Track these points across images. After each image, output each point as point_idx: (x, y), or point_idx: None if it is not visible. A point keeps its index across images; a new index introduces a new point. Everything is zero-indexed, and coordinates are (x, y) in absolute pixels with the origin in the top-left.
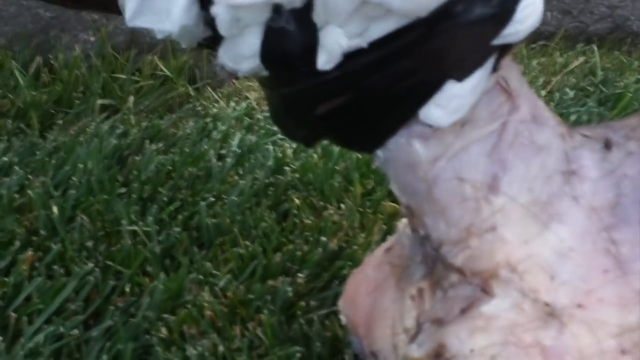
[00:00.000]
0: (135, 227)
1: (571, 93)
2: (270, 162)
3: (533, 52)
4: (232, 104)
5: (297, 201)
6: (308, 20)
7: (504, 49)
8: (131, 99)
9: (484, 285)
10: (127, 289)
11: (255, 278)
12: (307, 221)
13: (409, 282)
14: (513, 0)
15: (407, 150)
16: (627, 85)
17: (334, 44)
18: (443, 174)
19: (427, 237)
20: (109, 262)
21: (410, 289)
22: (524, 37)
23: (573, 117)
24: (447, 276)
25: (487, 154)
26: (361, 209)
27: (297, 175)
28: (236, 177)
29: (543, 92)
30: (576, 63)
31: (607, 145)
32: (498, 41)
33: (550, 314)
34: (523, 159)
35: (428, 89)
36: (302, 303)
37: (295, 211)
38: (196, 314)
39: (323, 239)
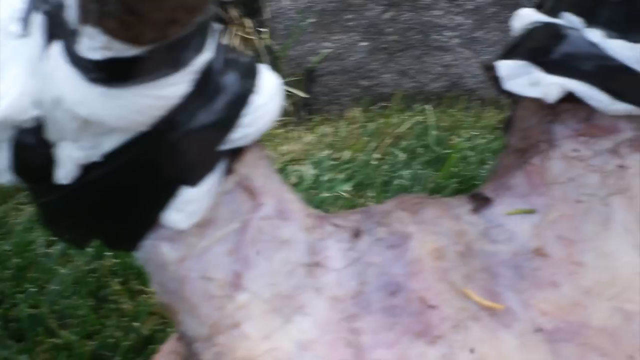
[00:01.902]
0: None
1: (402, 155)
2: (90, 249)
3: (372, 114)
4: None
5: (116, 286)
6: (44, 137)
7: (238, 151)
8: None
9: None
10: None
11: None
12: (125, 306)
13: None
14: (236, 107)
15: (156, 252)
16: (455, 145)
17: (68, 159)
18: (190, 273)
19: (183, 334)
20: None
21: None
22: (257, 139)
23: (397, 182)
24: None
25: (229, 252)
26: None
27: (117, 260)
28: (58, 266)
29: (376, 156)
30: (407, 125)
31: (356, 233)
32: (226, 146)
33: None
34: (266, 255)
35: (164, 195)
36: None
37: (113, 297)
38: None
39: (136, 324)
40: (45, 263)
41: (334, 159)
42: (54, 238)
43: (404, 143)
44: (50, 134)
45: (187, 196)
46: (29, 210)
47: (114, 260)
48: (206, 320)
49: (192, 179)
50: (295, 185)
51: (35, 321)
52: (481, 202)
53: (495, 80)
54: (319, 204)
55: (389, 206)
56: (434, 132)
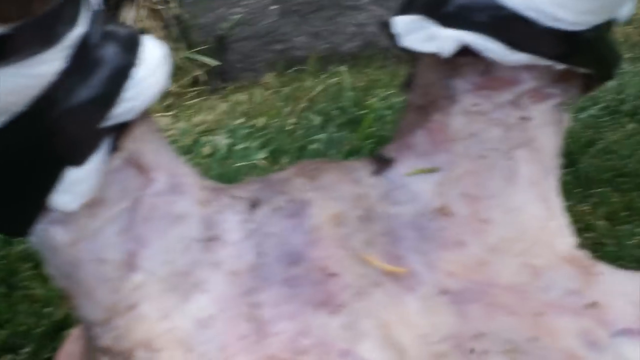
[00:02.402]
0: None
1: (318, 119)
2: None
3: (286, 79)
4: None
5: (27, 272)
6: None
7: (124, 127)
8: None
9: None
10: None
11: None
12: (36, 292)
13: None
14: (116, 80)
15: (49, 236)
16: (371, 105)
17: None
18: (84, 256)
19: (81, 318)
20: None
21: None
22: (144, 112)
23: (312, 147)
24: (99, 357)
25: (122, 232)
26: None
27: (27, 245)
28: None
29: (292, 120)
30: (322, 87)
31: (254, 204)
32: (109, 122)
33: None
34: (160, 232)
35: (49, 177)
36: None
37: (25, 282)
38: None
39: (48, 309)
40: None
41: (249, 127)
42: None
43: (319, 106)
44: None
45: (74, 177)
46: None
47: (24, 245)
48: (102, 304)
49: (77, 159)
50: (210, 156)
51: None
52: (382, 163)
53: (392, 37)
54: (234, 174)
55: (288, 173)
56: (350, 93)
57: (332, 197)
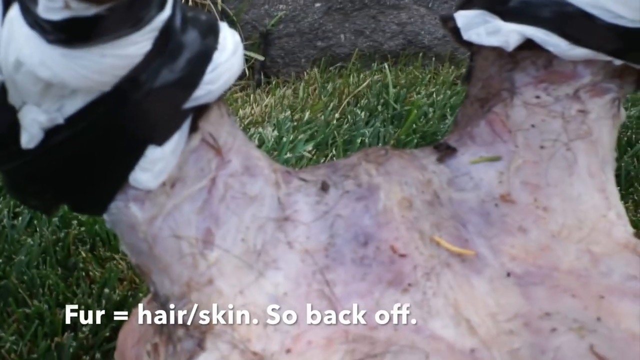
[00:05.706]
0: None
1: (362, 114)
2: (56, 218)
3: (330, 75)
4: None
5: (83, 254)
6: (7, 102)
7: (202, 109)
8: None
9: (201, 338)
10: None
11: (40, 336)
12: (93, 273)
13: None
14: (198, 64)
15: (126, 213)
16: (415, 101)
17: (32, 123)
18: (161, 232)
19: (156, 293)
20: None
21: (147, 345)
22: (220, 96)
23: (359, 140)
24: (175, 330)
25: (199, 210)
26: None
27: (83, 228)
28: (25, 237)
29: (337, 115)
30: (365, 84)
31: (324, 187)
32: (190, 104)
33: None
34: (235, 212)
35: (131, 156)
36: (87, 357)
37: (81, 264)
38: None
39: (106, 290)
40: (11, 234)
41: (295, 120)
42: (19, 209)
43: (363, 102)
44: (13, 98)
45: (154, 155)
46: None
47: (81, 228)
48: (179, 279)
49: (158, 138)
50: (258, 147)
51: (4, 292)
52: (446, 151)
53: (454, 31)
54: (283, 165)
55: (354, 159)
56: (393, 90)
57: (399, 181)
